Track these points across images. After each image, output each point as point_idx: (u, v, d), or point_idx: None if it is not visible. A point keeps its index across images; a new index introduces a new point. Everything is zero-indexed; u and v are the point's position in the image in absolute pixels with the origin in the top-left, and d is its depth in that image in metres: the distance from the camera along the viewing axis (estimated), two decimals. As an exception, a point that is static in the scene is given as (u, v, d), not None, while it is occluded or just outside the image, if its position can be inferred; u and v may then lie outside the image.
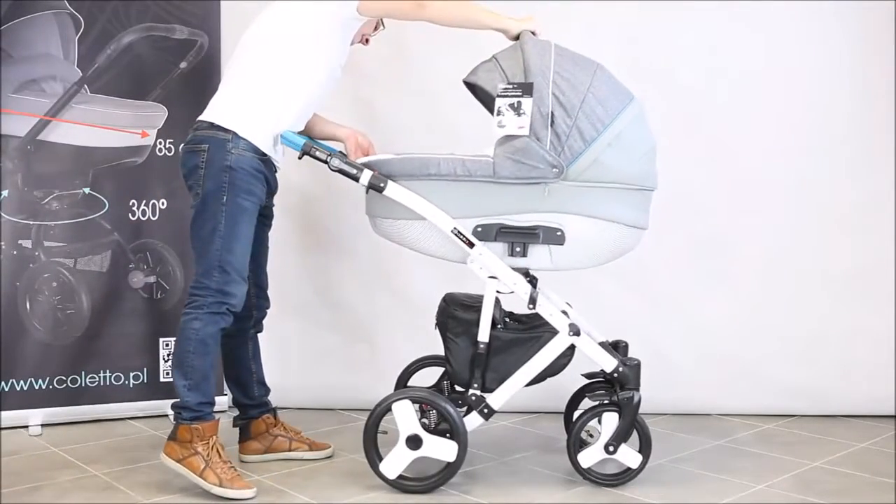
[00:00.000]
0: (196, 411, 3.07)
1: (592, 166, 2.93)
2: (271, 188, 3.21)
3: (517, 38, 3.07)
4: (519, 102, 2.88)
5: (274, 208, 3.33)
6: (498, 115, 2.91)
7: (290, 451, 3.42)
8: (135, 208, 3.89)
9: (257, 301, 3.35)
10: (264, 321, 3.43)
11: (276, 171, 3.20)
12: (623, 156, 2.95)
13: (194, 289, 3.10)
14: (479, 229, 3.00)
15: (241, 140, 3.05)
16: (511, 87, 2.91)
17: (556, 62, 2.94)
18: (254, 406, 3.43)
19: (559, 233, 2.98)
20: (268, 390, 3.47)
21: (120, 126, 3.83)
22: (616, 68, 3.06)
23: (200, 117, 3.14)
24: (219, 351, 3.21)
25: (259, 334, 3.43)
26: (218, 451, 3.08)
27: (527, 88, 2.88)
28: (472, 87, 3.14)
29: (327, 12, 3.10)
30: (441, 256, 3.09)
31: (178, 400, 3.10)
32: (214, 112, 3.11)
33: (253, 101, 3.10)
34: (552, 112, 2.90)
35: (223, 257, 3.05)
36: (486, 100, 3.09)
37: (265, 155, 3.10)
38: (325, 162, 3.03)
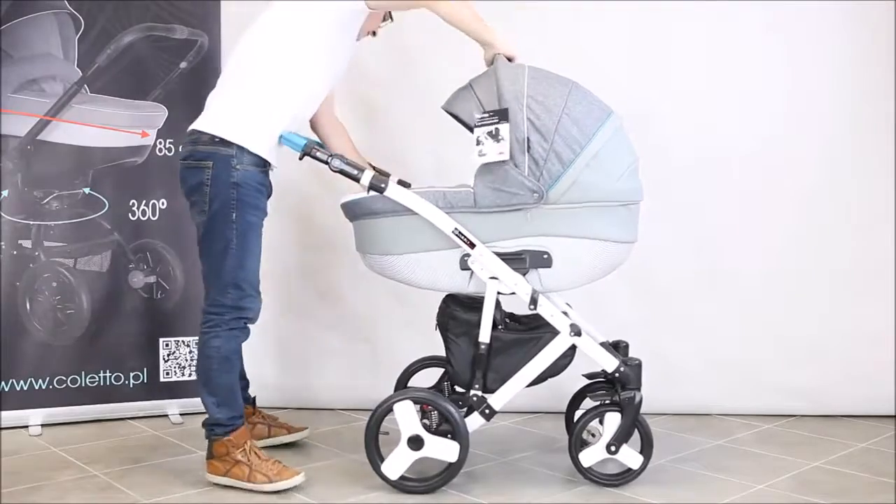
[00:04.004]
0: (228, 426, 3.09)
1: (573, 188, 2.92)
2: (269, 193, 3.18)
3: (493, 61, 3.04)
4: (497, 129, 2.88)
5: (269, 208, 3.30)
6: (478, 144, 2.91)
7: (270, 437, 3.45)
8: (135, 208, 3.89)
9: None
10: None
11: (272, 170, 3.17)
12: (603, 174, 2.94)
13: (210, 307, 3.08)
14: (467, 259, 3.01)
15: (245, 155, 3.01)
16: (487, 115, 2.90)
17: (530, 86, 2.93)
18: None
19: (546, 256, 2.98)
20: (247, 383, 3.47)
21: (120, 126, 3.83)
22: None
23: (199, 127, 3.05)
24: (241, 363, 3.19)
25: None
26: (255, 452, 3.10)
27: (502, 114, 2.88)
28: (453, 114, 3.13)
29: (331, 10, 3.02)
30: (438, 288, 3.09)
31: (208, 417, 3.12)
32: (217, 124, 3.03)
33: (257, 111, 3.04)
34: (528, 137, 2.90)
35: (237, 274, 3.05)
36: (467, 127, 3.08)
37: (267, 165, 3.08)
38: (326, 163, 3.03)
